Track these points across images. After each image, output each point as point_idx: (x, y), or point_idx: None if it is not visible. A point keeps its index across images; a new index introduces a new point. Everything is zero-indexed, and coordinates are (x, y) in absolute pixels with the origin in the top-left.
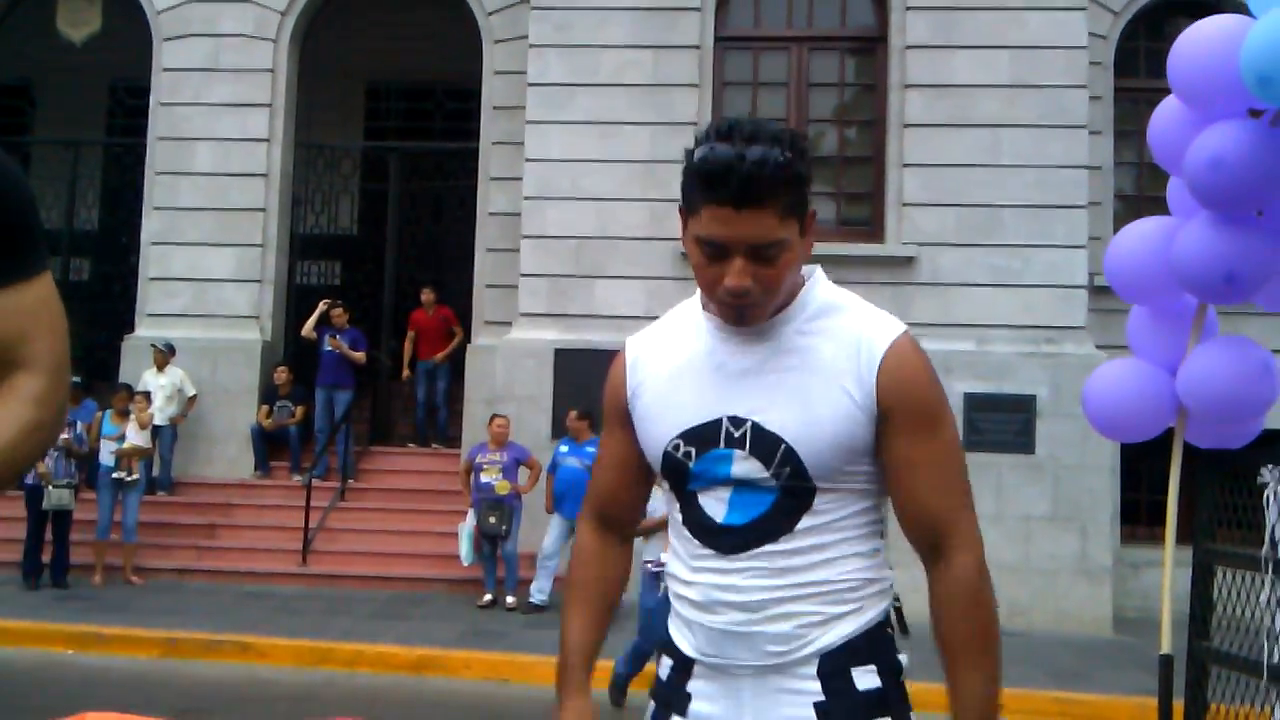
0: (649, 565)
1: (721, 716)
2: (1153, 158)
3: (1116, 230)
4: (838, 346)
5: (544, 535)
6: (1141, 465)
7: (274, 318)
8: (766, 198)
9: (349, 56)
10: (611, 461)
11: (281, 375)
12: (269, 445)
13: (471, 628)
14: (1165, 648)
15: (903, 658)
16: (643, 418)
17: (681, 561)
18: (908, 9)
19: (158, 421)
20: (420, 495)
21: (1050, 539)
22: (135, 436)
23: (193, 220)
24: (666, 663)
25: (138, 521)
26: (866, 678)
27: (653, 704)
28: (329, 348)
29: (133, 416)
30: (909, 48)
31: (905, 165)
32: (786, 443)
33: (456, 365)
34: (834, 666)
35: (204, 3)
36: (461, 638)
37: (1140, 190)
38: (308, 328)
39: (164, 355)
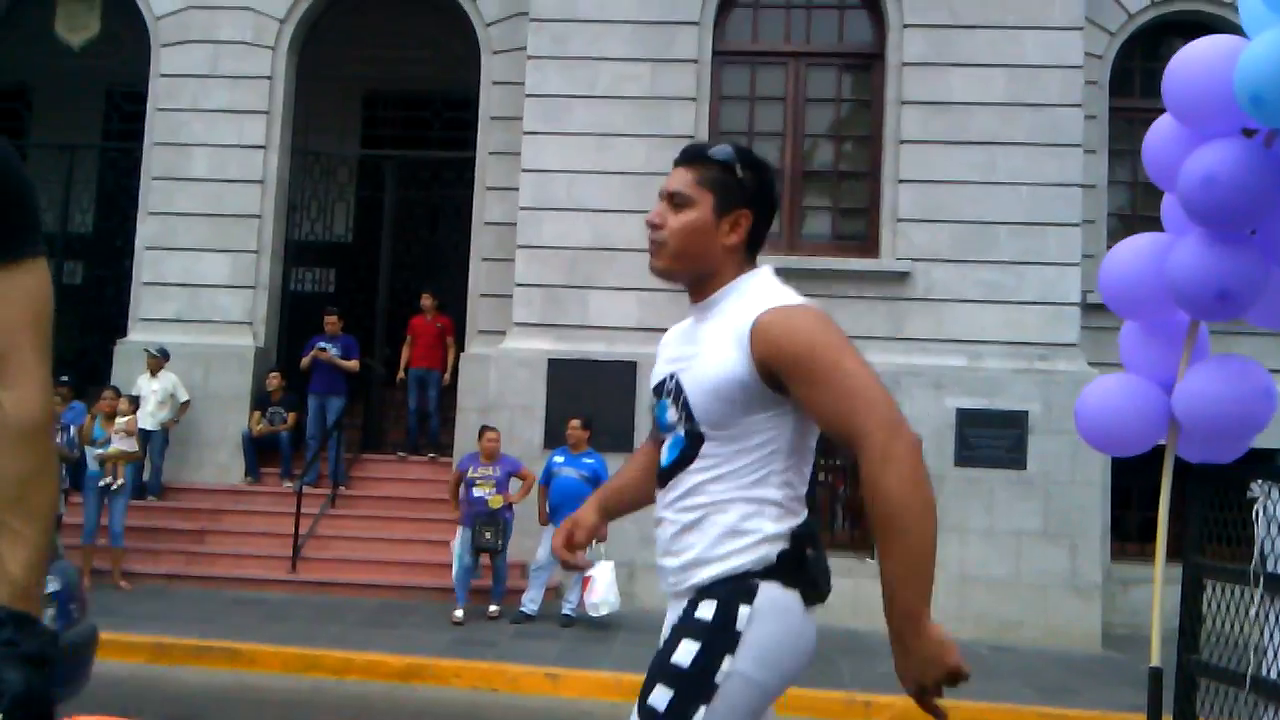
0: None
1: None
2: (1147, 176)
3: (1110, 249)
4: (734, 319)
5: (535, 545)
6: (1131, 482)
7: (267, 324)
8: (695, 163)
9: (347, 65)
10: None
11: (274, 381)
12: (260, 452)
13: (461, 636)
14: (1155, 660)
15: (745, 610)
16: None
17: None
18: (905, 26)
19: (150, 426)
20: (411, 503)
21: (1041, 555)
22: (120, 441)
23: (187, 225)
24: None
25: (125, 526)
26: (706, 608)
27: None
28: (318, 357)
29: (117, 421)
30: (906, 65)
31: (900, 181)
32: (685, 393)
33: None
34: (692, 598)
35: (203, 9)
36: (451, 646)
37: (1134, 209)
38: (304, 364)
39: (157, 360)
